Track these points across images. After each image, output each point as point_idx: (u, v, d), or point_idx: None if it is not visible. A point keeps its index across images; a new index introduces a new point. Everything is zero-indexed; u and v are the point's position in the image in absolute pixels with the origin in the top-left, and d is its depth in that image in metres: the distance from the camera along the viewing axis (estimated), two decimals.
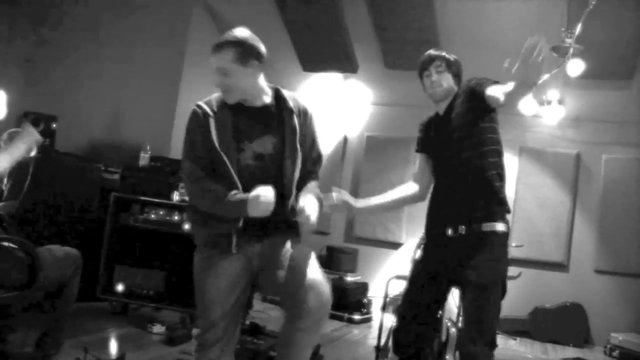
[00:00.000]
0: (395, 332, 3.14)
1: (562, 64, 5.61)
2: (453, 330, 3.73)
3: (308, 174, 2.76)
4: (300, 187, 2.69)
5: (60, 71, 7.23)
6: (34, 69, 7.26)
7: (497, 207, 2.93)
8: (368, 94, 7.99)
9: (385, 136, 7.83)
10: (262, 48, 2.70)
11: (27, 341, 3.63)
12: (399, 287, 5.53)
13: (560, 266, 6.95)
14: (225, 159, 2.53)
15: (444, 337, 3.68)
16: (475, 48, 6.68)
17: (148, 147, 5.72)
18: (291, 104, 2.71)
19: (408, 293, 3.17)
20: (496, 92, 2.83)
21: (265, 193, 2.43)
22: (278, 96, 2.73)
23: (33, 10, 7.21)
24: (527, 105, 6.63)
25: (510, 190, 7.13)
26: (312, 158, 2.81)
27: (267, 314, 6.03)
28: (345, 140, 8.10)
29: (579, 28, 5.11)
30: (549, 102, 6.87)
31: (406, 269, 4.30)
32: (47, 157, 5.07)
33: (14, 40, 6.62)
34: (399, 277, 4.53)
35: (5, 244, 3.24)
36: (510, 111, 7.10)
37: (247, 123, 2.63)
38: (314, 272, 2.62)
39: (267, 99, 2.71)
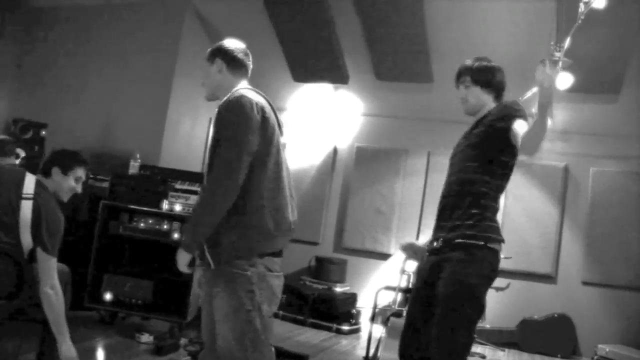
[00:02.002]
0: (402, 338, 3.05)
1: None
2: None
3: None
4: None
5: (51, 78, 7.21)
6: (24, 76, 7.24)
7: (477, 221, 2.86)
8: (358, 105, 8.02)
9: (375, 147, 7.84)
10: (234, 52, 2.73)
11: (20, 350, 3.60)
12: (388, 298, 5.55)
13: (548, 278, 6.97)
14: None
15: None
16: (466, 59, 6.74)
17: (138, 156, 5.71)
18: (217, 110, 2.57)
19: (412, 301, 3.12)
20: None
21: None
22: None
23: (24, 17, 7.20)
24: None
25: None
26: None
27: None
28: (335, 150, 8.11)
29: (567, 42, 5.15)
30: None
31: (395, 280, 4.32)
32: (32, 164, 5.05)
33: (4, 46, 6.60)
34: (388, 288, 4.54)
35: None
36: None
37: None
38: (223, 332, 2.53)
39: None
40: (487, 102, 3.05)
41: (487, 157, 2.89)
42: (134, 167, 5.63)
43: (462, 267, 2.79)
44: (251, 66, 2.83)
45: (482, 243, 2.83)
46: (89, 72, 7.17)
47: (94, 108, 7.13)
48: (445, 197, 3.04)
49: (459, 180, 2.94)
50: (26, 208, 3.29)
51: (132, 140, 6.70)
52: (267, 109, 2.59)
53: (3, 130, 6.38)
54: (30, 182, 3.38)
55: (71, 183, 3.55)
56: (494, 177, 2.90)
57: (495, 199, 2.93)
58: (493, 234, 2.88)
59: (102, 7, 7.33)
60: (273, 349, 2.57)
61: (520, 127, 2.82)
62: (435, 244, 2.98)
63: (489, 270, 2.86)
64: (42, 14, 7.37)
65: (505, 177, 2.95)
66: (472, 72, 3.07)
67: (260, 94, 2.66)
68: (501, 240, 2.94)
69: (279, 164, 2.60)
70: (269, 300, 2.53)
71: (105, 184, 5.54)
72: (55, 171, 3.51)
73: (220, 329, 2.48)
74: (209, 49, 2.75)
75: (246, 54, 2.81)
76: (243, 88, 2.64)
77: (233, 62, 2.72)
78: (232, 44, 2.75)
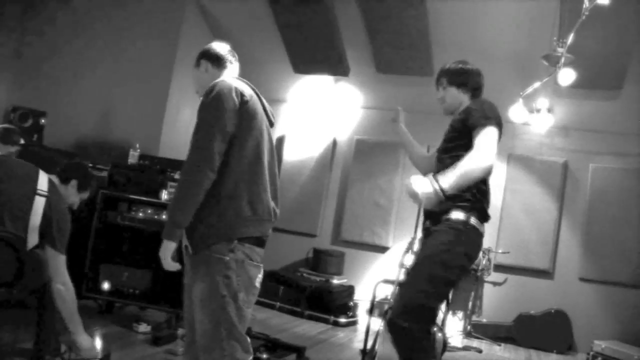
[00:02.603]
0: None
1: (552, 72, 5.65)
2: (439, 335, 3.74)
3: None
4: None
5: (50, 66, 7.18)
6: (24, 64, 7.21)
7: (459, 200, 2.99)
8: (358, 98, 8.00)
9: (374, 140, 7.83)
10: (216, 50, 2.78)
11: (18, 337, 3.62)
12: (385, 291, 5.56)
13: (545, 273, 6.98)
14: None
15: None
16: (467, 54, 6.67)
17: (137, 145, 5.70)
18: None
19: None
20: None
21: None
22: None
23: (23, 4, 7.17)
24: (516, 112, 6.66)
25: (497, 197, 7.20)
26: None
27: (252, 315, 6.01)
28: (335, 143, 8.09)
29: (571, 38, 5.14)
30: (538, 110, 6.90)
31: (393, 274, 4.32)
32: (30, 152, 5.04)
33: (3, 34, 6.57)
34: (386, 282, 4.55)
35: None
36: None
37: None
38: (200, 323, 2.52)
39: None
40: (463, 100, 3.28)
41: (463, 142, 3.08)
42: (133, 157, 5.62)
43: (437, 237, 3.04)
44: (236, 63, 2.84)
45: (460, 218, 3.02)
46: (89, 60, 7.14)
47: (93, 97, 7.11)
48: None
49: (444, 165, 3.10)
50: (39, 204, 3.37)
51: (132, 129, 6.68)
52: (249, 94, 2.55)
53: (2, 119, 6.36)
54: (43, 180, 3.48)
55: (76, 200, 3.75)
56: None
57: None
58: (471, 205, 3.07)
59: None
60: (249, 339, 2.55)
61: (489, 135, 3.02)
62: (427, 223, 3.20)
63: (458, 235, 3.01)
64: (42, 2, 7.34)
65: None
66: (448, 75, 3.30)
67: (245, 82, 2.65)
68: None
69: (260, 150, 2.53)
70: (247, 289, 2.51)
71: (104, 174, 5.52)
72: (73, 183, 3.69)
73: (197, 316, 2.48)
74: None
75: (230, 52, 2.83)
76: (226, 77, 2.65)
77: (217, 60, 2.77)
78: (215, 45, 2.82)
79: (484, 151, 2.93)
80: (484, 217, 3.08)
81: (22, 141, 4.88)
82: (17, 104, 6.39)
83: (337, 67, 7.71)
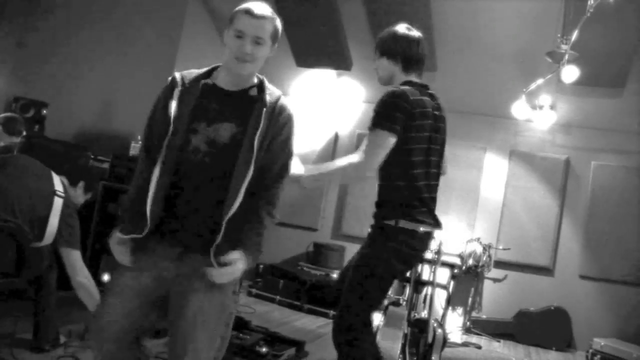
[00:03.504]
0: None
1: (556, 69, 5.63)
2: (439, 331, 3.74)
3: (262, 192, 2.26)
4: (248, 199, 2.20)
5: (52, 57, 7.17)
6: (26, 54, 7.20)
7: (392, 206, 3.00)
8: (361, 92, 7.98)
9: None
10: None
11: (18, 328, 3.65)
12: None
13: (545, 270, 6.98)
14: (167, 137, 2.20)
15: (430, 338, 3.68)
16: (471, 50, 6.71)
17: (139, 137, 5.69)
18: (268, 97, 2.28)
19: None
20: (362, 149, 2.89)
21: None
22: (261, 86, 2.34)
23: None
24: (519, 109, 6.65)
25: (498, 193, 7.20)
26: (273, 170, 2.30)
27: (252, 308, 6.03)
28: (337, 137, 8.08)
29: (575, 35, 5.13)
30: (540, 107, 6.89)
31: None
32: (31, 142, 5.03)
33: (5, 24, 6.56)
34: None
35: None
36: (501, 114, 7.14)
37: (212, 104, 2.26)
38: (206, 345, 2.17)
39: (249, 85, 2.34)
40: (395, 72, 3.05)
41: None
42: (134, 149, 5.61)
43: (367, 244, 3.17)
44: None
45: (390, 224, 3.03)
46: (91, 51, 7.12)
47: (95, 88, 7.09)
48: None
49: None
50: (58, 204, 3.47)
51: (133, 121, 6.65)
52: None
53: (4, 109, 6.35)
54: (57, 181, 3.60)
55: (82, 200, 3.87)
56: (402, 166, 3.03)
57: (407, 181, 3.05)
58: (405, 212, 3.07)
59: None
60: None
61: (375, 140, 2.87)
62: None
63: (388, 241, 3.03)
64: None
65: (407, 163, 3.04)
66: (379, 43, 3.07)
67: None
68: None
69: None
70: None
71: (105, 165, 5.52)
72: (81, 185, 3.81)
73: (192, 333, 2.12)
74: (274, 22, 2.32)
75: None
76: (262, 76, 2.48)
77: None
78: None
79: (367, 160, 2.82)
80: (418, 218, 2.99)
81: (24, 132, 4.88)
82: (19, 95, 6.38)
83: (339, 61, 7.69)
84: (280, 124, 2.31)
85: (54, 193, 3.49)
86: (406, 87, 2.94)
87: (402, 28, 3.05)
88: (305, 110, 8.19)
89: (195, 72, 2.34)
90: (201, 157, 2.19)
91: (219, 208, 2.16)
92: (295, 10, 7.15)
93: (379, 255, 2.98)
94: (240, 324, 4.75)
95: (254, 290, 6.88)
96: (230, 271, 2.12)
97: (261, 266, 7.32)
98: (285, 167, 2.36)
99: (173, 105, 2.22)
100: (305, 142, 8.12)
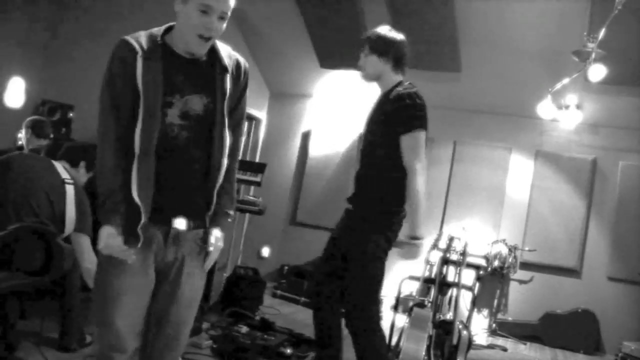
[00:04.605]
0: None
1: (582, 68, 5.56)
2: (465, 333, 3.71)
3: (231, 150, 2.26)
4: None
5: (79, 59, 7.24)
6: (53, 57, 7.29)
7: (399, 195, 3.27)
8: None
9: None
10: None
11: (46, 327, 3.70)
12: (410, 288, 5.52)
13: (572, 272, 6.89)
14: (141, 112, 2.05)
15: (455, 340, 3.66)
16: (495, 49, 6.65)
17: None
18: (226, 61, 2.20)
19: None
20: (407, 151, 3.15)
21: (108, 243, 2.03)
22: (213, 51, 2.21)
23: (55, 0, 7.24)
24: (544, 109, 6.58)
25: (524, 194, 7.13)
26: (241, 126, 2.35)
27: (276, 309, 6.03)
28: (360, 138, 8.05)
29: (602, 33, 5.05)
30: (567, 107, 6.81)
31: (419, 270, 4.29)
32: (59, 145, 5.10)
33: (34, 27, 6.64)
34: (412, 278, 4.52)
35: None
36: (526, 114, 7.07)
37: (178, 74, 2.13)
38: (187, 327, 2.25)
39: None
40: (384, 70, 3.29)
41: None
42: None
43: None
44: None
45: None
46: None
47: None
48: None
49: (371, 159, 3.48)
50: (70, 192, 3.53)
51: None
52: None
53: (32, 112, 6.43)
54: (61, 168, 3.63)
55: (85, 180, 3.86)
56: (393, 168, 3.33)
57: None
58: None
59: None
60: None
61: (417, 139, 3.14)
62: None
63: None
64: None
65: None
66: (371, 41, 3.27)
67: None
68: None
69: None
70: None
71: None
72: (82, 164, 3.82)
73: (185, 315, 2.22)
74: None
75: None
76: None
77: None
78: None
79: (424, 169, 3.11)
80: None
81: (52, 135, 4.94)
82: (46, 97, 6.46)
83: None
84: (241, 82, 2.27)
85: (63, 182, 3.53)
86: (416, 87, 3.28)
87: (389, 29, 3.37)
88: (329, 111, 8.19)
89: (144, 34, 2.17)
90: (177, 130, 2.10)
91: (204, 180, 2.17)
92: (317, 11, 7.15)
93: (386, 240, 3.26)
94: (265, 325, 4.76)
95: (278, 292, 6.89)
96: (217, 255, 2.24)
97: (285, 267, 7.33)
98: (242, 113, 2.35)
99: (139, 76, 2.06)
100: (330, 143, 8.12)
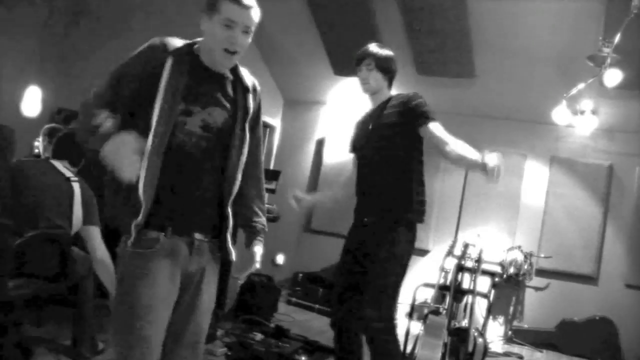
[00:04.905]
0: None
1: (598, 73, 5.52)
2: (480, 340, 3.69)
3: (251, 172, 2.34)
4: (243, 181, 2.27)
5: (94, 68, 7.30)
6: (68, 66, 7.35)
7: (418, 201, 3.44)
8: None
9: None
10: None
11: (60, 334, 3.72)
12: (425, 295, 5.50)
13: (589, 279, 6.83)
14: (156, 112, 2.05)
15: (470, 348, 3.64)
16: (510, 54, 6.62)
17: None
18: (247, 81, 2.30)
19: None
20: (436, 136, 3.21)
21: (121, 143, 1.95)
22: (235, 70, 2.29)
23: (69, 5, 7.30)
24: (560, 114, 6.53)
25: (539, 200, 7.09)
26: (260, 148, 2.41)
27: (291, 317, 6.03)
28: (360, 154, 8.05)
29: (617, 37, 5.02)
30: (582, 112, 6.76)
31: (434, 277, 4.27)
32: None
33: (50, 35, 6.71)
34: (427, 285, 4.50)
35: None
36: (541, 120, 7.03)
37: (202, 85, 2.19)
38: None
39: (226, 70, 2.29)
40: (383, 86, 3.48)
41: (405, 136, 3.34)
42: None
43: None
44: None
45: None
46: None
47: None
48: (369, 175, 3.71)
49: (381, 166, 3.49)
50: (77, 189, 3.55)
51: None
52: None
53: (48, 120, 6.49)
54: (61, 167, 3.66)
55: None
56: (412, 171, 3.51)
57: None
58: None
59: None
60: None
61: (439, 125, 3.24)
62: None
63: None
64: (87, 3, 7.46)
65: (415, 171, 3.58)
66: (376, 58, 3.44)
67: None
68: None
69: None
70: None
71: None
72: (82, 163, 3.84)
73: (204, 323, 2.25)
74: (257, 11, 2.23)
75: None
76: None
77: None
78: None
79: (454, 142, 3.21)
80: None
81: None
82: (62, 105, 6.51)
83: None
84: (257, 102, 2.36)
85: (68, 180, 3.56)
86: None
87: (387, 48, 3.57)
88: (343, 118, 8.18)
89: (179, 40, 2.25)
90: (196, 140, 2.12)
91: (218, 192, 2.21)
92: (331, 18, 7.17)
93: (407, 248, 3.35)
94: (280, 333, 4.75)
95: (293, 299, 6.88)
96: (253, 265, 2.31)
97: (300, 275, 7.33)
98: (261, 141, 2.43)
99: (165, 77, 2.10)
100: (344, 151, 8.11)
